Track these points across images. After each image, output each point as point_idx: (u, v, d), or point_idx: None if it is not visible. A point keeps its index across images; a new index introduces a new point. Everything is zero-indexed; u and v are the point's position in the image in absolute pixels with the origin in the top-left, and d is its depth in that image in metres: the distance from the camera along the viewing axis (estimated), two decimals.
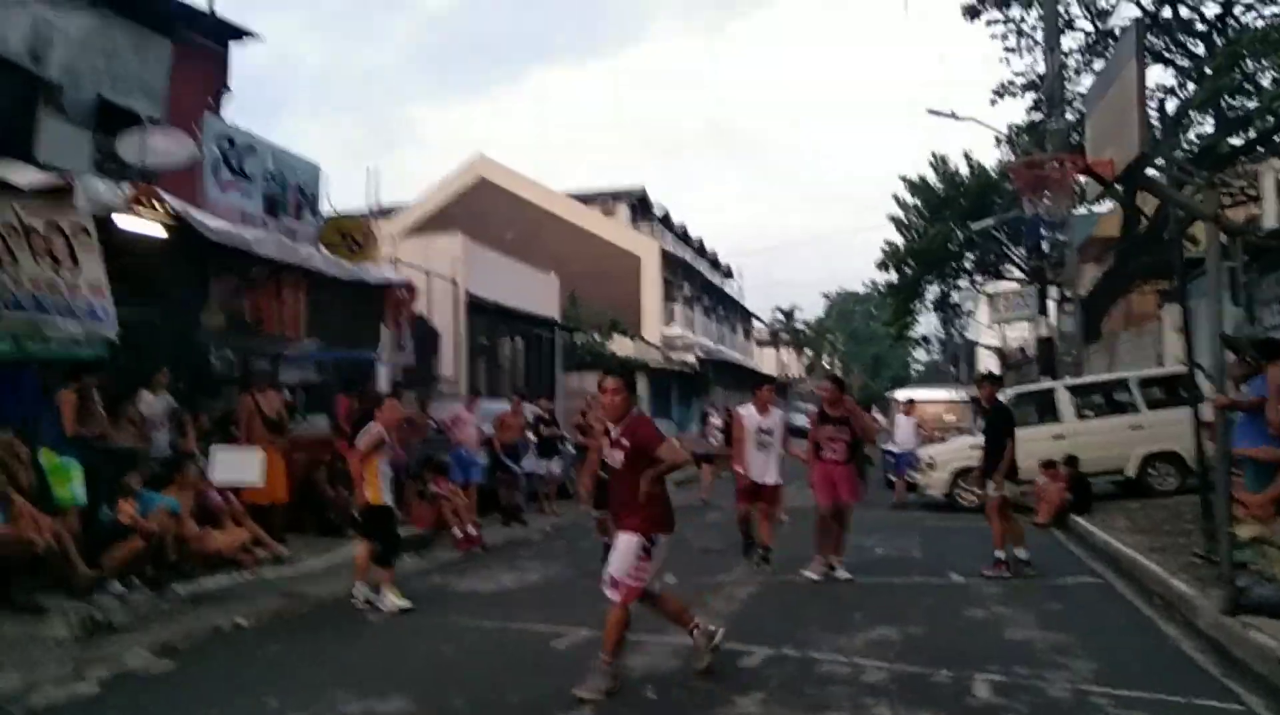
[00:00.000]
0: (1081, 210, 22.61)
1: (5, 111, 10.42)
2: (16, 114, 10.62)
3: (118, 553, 7.51)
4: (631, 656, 6.22)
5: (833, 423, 9.15)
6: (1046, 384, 16.77)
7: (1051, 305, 21.44)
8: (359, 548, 8.37)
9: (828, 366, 75.84)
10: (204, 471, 9.21)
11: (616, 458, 5.59)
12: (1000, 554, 9.03)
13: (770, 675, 5.75)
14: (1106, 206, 23.34)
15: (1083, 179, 8.17)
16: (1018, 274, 27.85)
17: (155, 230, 8.81)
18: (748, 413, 9.60)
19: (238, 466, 9.16)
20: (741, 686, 5.47)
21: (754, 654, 6.20)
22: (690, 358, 36.58)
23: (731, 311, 51.15)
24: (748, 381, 25.46)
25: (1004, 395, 17.08)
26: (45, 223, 7.84)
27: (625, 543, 5.45)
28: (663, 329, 36.54)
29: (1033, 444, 14.06)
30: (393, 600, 7.90)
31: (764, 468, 9.37)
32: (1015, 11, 21.19)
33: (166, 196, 8.67)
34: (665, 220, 43.05)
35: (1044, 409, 15.08)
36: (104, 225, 7.93)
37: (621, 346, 29.91)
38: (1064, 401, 14.71)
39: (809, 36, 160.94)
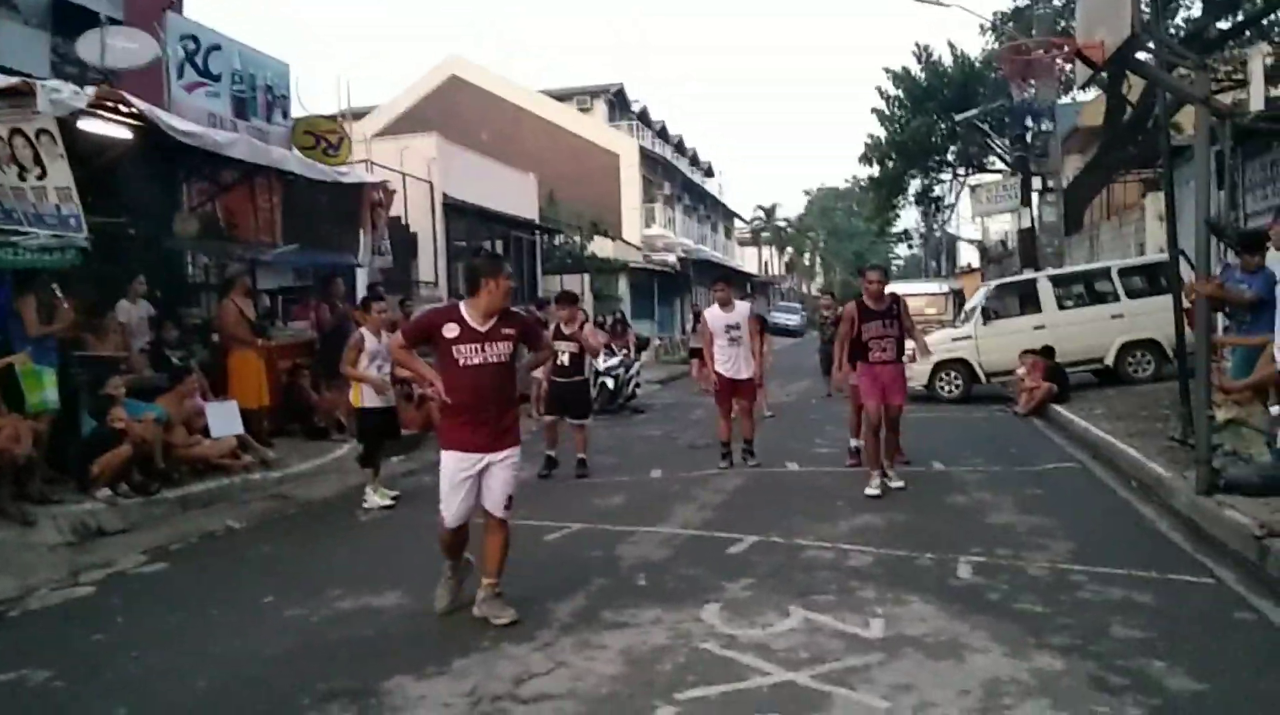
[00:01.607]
0: (1065, 100, 22.34)
1: None
2: None
3: (106, 460, 7.52)
4: (622, 546, 6.36)
5: (879, 318, 8.05)
6: (1028, 275, 16.80)
7: (1034, 196, 21.33)
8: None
9: (808, 264, 75.91)
10: (199, 384, 9.20)
11: (499, 353, 4.90)
12: (855, 443, 9.20)
13: (757, 561, 5.88)
14: (1090, 95, 23.06)
15: (1070, 65, 8.00)
16: (1000, 165, 27.65)
17: (120, 133, 8.55)
18: (712, 313, 9.60)
19: (226, 419, 9.14)
20: (730, 572, 5.59)
21: (741, 541, 6.32)
22: (671, 258, 36.40)
23: (713, 210, 50.74)
24: (730, 279, 25.35)
25: (985, 287, 17.22)
26: (7, 128, 7.57)
27: (511, 458, 4.99)
28: (643, 229, 36.23)
29: (1015, 336, 14.25)
30: (373, 498, 8.13)
31: (736, 363, 9.37)
32: None
33: (131, 98, 8.38)
34: (644, 117, 42.25)
35: (1025, 300, 15.14)
36: (67, 130, 7.67)
37: (601, 247, 29.71)
38: (1045, 292, 14.75)
39: None
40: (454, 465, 4.91)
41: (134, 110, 8.31)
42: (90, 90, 8.07)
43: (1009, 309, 15.30)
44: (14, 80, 7.62)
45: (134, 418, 7.91)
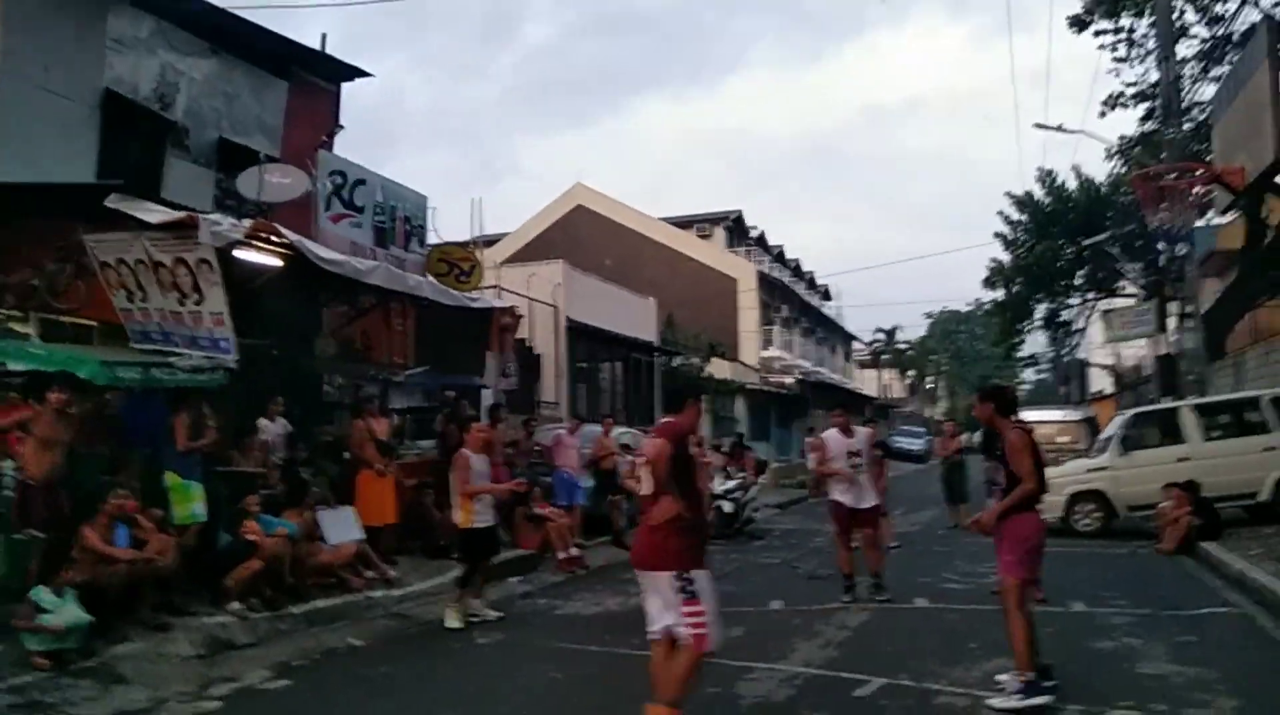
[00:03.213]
0: (1199, 222, 21.63)
1: (136, 153, 11.02)
2: (146, 155, 11.23)
3: (238, 574, 7.76)
4: (741, 683, 6.12)
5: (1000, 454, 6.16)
6: (1169, 404, 15.99)
7: (1171, 322, 20.50)
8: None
9: (930, 387, 74.25)
10: (322, 496, 9.51)
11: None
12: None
13: (886, 706, 5.57)
14: (1227, 219, 22.27)
15: (1208, 189, 7.79)
16: (1132, 290, 26.77)
17: (271, 261, 9.14)
18: (832, 437, 9.32)
19: (342, 526, 9.42)
20: None
21: (869, 683, 6.01)
22: (789, 380, 36.18)
23: (831, 333, 50.47)
24: (848, 403, 25.12)
25: (1122, 416, 16.44)
26: (172, 257, 8.23)
27: None
28: (760, 351, 36.26)
29: (1156, 467, 13.47)
30: (451, 617, 8.17)
31: (858, 492, 9.05)
32: (1125, 21, 20.43)
33: (282, 229, 8.98)
34: (761, 242, 42.83)
35: (1167, 430, 14.36)
36: (224, 257, 8.26)
37: (719, 369, 29.79)
38: (1189, 422, 13.97)
39: (907, 59, 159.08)
40: (709, 581, 4.93)
41: (284, 240, 8.89)
42: (246, 222, 8.71)
43: (1149, 439, 14.52)
44: (181, 214, 8.29)
45: (267, 533, 8.18)
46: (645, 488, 4.88)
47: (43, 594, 6.36)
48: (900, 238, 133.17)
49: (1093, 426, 23.30)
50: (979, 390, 7.01)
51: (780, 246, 45.41)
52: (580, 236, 32.92)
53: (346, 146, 14.38)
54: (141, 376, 8.00)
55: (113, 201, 8.34)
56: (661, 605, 4.85)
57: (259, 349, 9.54)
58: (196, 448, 8.20)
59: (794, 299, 42.54)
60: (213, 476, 8.43)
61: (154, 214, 8.31)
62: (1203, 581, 10.04)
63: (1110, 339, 25.45)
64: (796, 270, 47.59)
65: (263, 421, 9.95)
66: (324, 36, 13.72)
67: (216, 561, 7.96)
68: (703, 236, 39.02)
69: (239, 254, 8.65)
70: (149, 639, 6.89)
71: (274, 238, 8.90)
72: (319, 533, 9.14)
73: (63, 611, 6.33)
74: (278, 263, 9.22)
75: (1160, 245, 20.67)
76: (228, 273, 8.29)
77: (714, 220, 40.36)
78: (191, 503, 7.96)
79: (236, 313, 8.38)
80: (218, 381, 8.51)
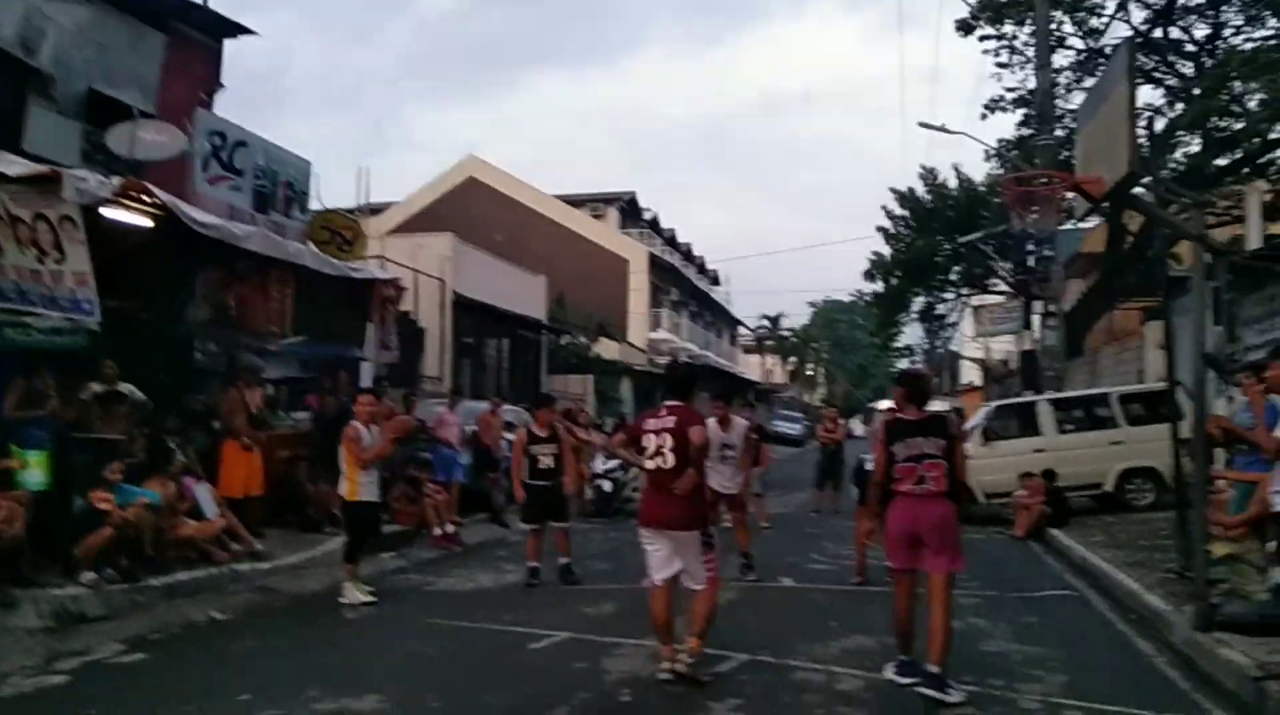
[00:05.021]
0: (1068, 226, 22.80)
1: None
2: (6, 103, 10.60)
3: (88, 542, 7.46)
4: (608, 659, 6.24)
5: (923, 434, 5.68)
6: (1028, 397, 16.87)
7: (1036, 319, 21.56)
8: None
9: (810, 374, 76.08)
10: (188, 466, 9.20)
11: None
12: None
13: (746, 682, 5.76)
14: (1092, 223, 23.51)
15: (1071, 195, 8.21)
16: (1003, 287, 28.01)
17: (142, 222, 8.78)
18: (710, 429, 9.52)
19: (210, 502, 9.13)
20: (717, 692, 5.48)
21: (731, 660, 6.20)
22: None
23: (718, 317, 51.26)
24: (733, 387, 25.61)
25: (986, 408, 17.28)
26: (32, 213, 7.81)
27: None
28: (648, 333, 36.58)
29: (1014, 458, 14.21)
30: (354, 594, 8.04)
31: (726, 479, 9.26)
32: (1008, 29, 21.31)
33: (154, 189, 8.63)
34: (654, 225, 43.14)
35: (1026, 422, 15.15)
36: (91, 216, 7.90)
37: (607, 349, 29.93)
38: (1045, 416, 14.78)
39: (803, 49, 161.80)
40: None
41: (156, 200, 8.55)
42: (115, 181, 8.34)
43: (1009, 430, 15.29)
44: (43, 168, 7.90)
45: (127, 502, 7.88)
46: (669, 462, 5.69)
47: None
48: (789, 226, 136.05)
49: (959, 417, 24.34)
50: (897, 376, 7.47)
51: (673, 230, 45.87)
52: (471, 210, 32.52)
53: (228, 107, 13.82)
54: None
55: None
56: (670, 557, 5.74)
57: (125, 312, 9.15)
58: (20, 417, 7.80)
59: (684, 283, 43.03)
60: (68, 443, 8.07)
61: (13, 166, 7.89)
62: (1048, 566, 10.67)
63: (979, 334, 26.61)
64: (688, 254, 48.13)
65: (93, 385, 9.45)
66: None
67: (69, 530, 7.63)
68: (596, 216, 39.07)
69: (107, 213, 8.28)
70: None
71: (145, 197, 8.55)
72: (183, 505, 8.85)
73: None
74: (148, 224, 8.86)
75: (1029, 246, 21.66)
76: (94, 232, 7.92)
77: (608, 200, 40.48)
78: (28, 471, 7.59)
79: (102, 274, 8.01)
80: (78, 344, 8.16)
